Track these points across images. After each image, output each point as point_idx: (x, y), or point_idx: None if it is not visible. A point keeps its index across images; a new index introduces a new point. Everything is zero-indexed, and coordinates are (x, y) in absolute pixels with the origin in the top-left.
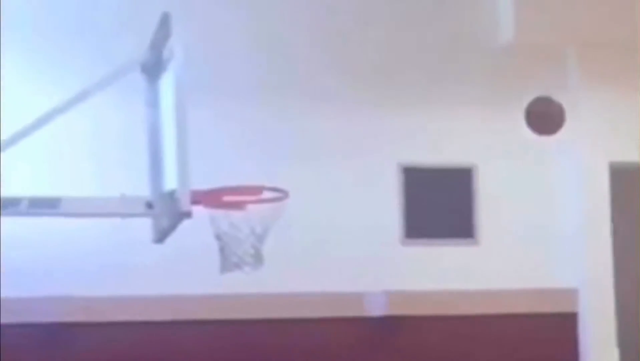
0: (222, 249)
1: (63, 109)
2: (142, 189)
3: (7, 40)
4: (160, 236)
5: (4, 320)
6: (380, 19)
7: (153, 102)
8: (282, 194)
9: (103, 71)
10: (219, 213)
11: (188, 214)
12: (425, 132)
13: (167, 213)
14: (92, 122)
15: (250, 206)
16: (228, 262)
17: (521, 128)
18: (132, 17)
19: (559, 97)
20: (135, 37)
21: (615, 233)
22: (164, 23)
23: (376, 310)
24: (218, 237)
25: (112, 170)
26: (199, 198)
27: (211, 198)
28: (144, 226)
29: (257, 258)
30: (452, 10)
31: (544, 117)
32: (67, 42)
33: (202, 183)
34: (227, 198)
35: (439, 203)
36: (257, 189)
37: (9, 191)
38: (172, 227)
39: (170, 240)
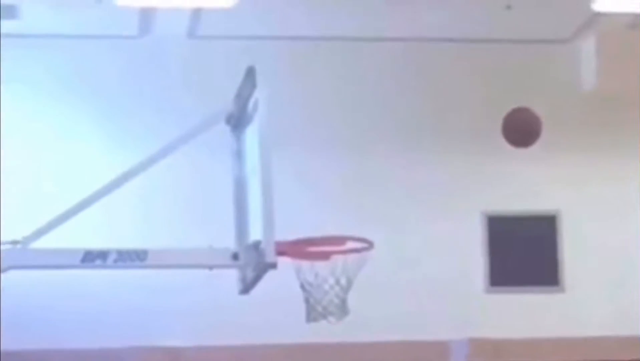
0: (307, 300)
1: (150, 162)
2: (229, 241)
3: (92, 98)
4: (246, 287)
5: None
6: (463, 70)
7: (238, 154)
8: (366, 245)
9: (189, 123)
10: (304, 263)
11: (273, 265)
12: (508, 181)
13: (252, 264)
14: (178, 174)
15: (335, 257)
16: (313, 312)
17: (605, 174)
18: (216, 70)
19: None
20: (220, 90)
21: None
22: (249, 76)
23: (461, 357)
24: (303, 287)
25: (199, 222)
26: (284, 249)
27: (296, 248)
28: (230, 277)
29: (342, 308)
30: (535, 60)
31: (521, 129)
32: (153, 96)
33: (286, 234)
34: (311, 249)
35: (523, 251)
36: (342, 240)
37: (96, 244)
38: (257, 278)
39: (255, 290)
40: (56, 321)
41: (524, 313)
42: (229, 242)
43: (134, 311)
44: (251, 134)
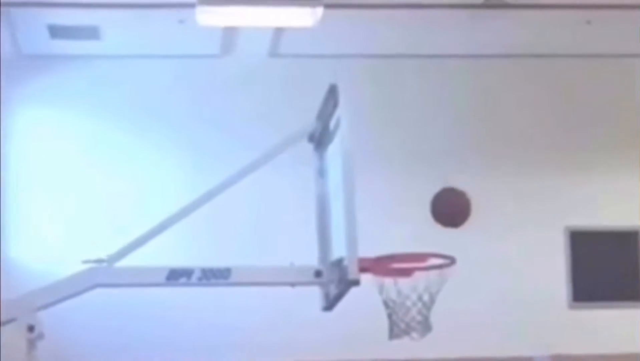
0: (390, 316)
1: (234, 180)
2: (310, 258)
3: (174, 117)
4: (329, 304)
5: None
6: (545, 86)
7: (320, 172)
8: (448, 261)
9: (272, 141)
10: (387, 280)
11: (356, 282)
12: (591, 196)
13: (335, 281)
14: (258, 192)
15: (417, 273)
16: (396, 328)
17: None
18: (298, 88)
19: None
20: (302, 108)
21: None
22: (331, 94)
23: None
24: (386, 304)
25: (282, 239)
26: (367, 265)
27: (379, 265)
28: (313, 294)
29: (425, 325)
30: (616, 75)
31: (450, 209)
32: (236, 115)
33: (368, 251)
34: (394, 266)
35: (606, 266)
36: (424, 256)
37: (181, 262)
38: (340, 295)
39: (338, 307)
40: (138, 339)
41: (608, 328)
42: (310, 259)
43: (215, 328)
44: (333, 153)
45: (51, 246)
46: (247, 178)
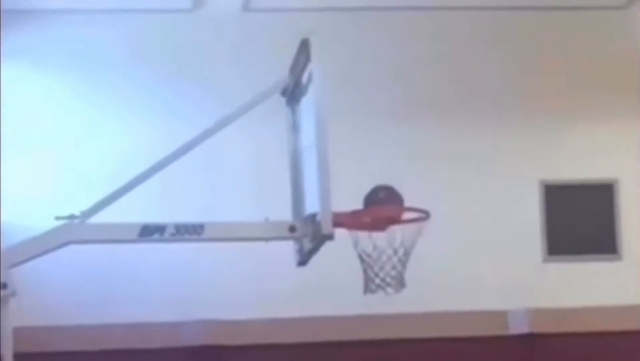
0: (365, 271)
1: (206, 135)
2: (285, 214)
3: (146, 73)
4: (304, 259)
5: (155, 345)
6: (518, 39)
7: (293, 126)
8: (423, 214)
9: (245, 96)
10: (362, 234)
11: (330, 237)
12: (565, 149)
13: (309, 236)
14: (232, 147)
15: (391, 228)
16: (371, 284)
17: None
18: (272, 42)
19: None
20: (275, 62)
21: None
22: (303, 48)
23: (519, 327)
24: (361, 258)
25: (254, 195)
26: (341, 220)
27: (353, 219)
28: (288, 250)
29: (399, 281)
30: (591, 27)
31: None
32: (208, 70)
33: (343, 205)
34: (368, 220)
35: (580, 219)
36: (399, 210)
37: (152, 218)
38: (315, 249)
39: (313, 262)
40: (113, 296)
41: (582, 281)
42: (285, 215)
43: (195, 285)
44: (306, 107)
45: (29, 205)
46: (220, 133)
